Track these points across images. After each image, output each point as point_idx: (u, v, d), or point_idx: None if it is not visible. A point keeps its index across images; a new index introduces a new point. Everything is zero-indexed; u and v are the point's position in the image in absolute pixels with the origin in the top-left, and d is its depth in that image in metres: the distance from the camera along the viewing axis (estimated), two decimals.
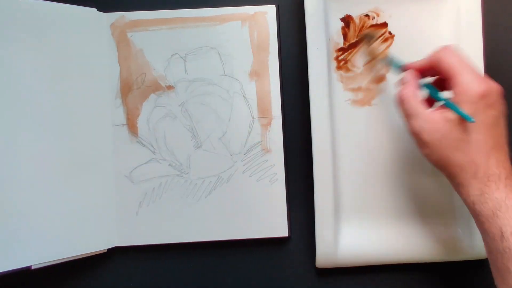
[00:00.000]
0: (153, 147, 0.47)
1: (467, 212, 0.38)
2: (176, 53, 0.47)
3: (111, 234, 0.47)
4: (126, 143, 0.47)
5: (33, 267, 0.42)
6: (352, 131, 0.47)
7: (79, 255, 0.45)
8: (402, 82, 0.40)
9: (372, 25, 0.47)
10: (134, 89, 0.47)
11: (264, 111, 0.47)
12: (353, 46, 0.47)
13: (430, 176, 0.47)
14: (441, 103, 0.38)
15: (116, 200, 0.47)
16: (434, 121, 0.36)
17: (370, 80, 0.47)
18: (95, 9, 0.47)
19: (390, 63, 0.43)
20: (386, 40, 0.47)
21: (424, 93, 0.39)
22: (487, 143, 0.36)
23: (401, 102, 0.38)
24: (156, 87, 0.47)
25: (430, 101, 0.39)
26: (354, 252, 0.46)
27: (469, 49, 0.43)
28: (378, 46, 0.46)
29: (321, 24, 0.45)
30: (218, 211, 0.47)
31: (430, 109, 0.37)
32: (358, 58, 0.47)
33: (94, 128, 0.46)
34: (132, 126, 0.47)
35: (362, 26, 0.47)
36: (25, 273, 0.41)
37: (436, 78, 0.40)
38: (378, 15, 0.47)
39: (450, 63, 0.37)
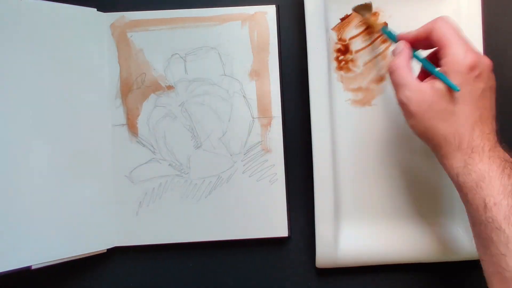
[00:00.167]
0: (153, 147, 0.47)
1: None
2: (176, 53, 0.47)
3: (111, 234, 0.47)
4: (126, 143, 0.47)
5: (33, 267, 0.42)
6: (352, 131, 0.47)
7: (79, 255, 0.45)
8: (394, 53, 0.40)
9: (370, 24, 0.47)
10: (134, 89, 0.47)
11: (264, 111, 0.47)
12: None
13: (430, 176, 0.47)
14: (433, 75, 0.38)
15: (116, 200, 0.47)
16: (422, 91, 0.36)
17: (370, 80, 0.47)
18: (95, 9, 0.47)
19: (387, 34, 0.43)
20: (386, 40, 0.47)
21: (418, 65, 0.39)
22: (473, 115, 0.36)
23: (392, 72, 0.38)
24: (156, 87, 0.47)
25: (424, 77, 0.39)
26: (354, 252, 0.46)
27: None
28: (374, 18, 0.46)
29: (321, 24, 0.45)
30: (218, 211, 0.47)
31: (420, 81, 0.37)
32: (359, 58, 0.47)
33: (94, 128, 0.46)
34: (132, 126, 0.47)
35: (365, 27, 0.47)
36: (25, 273, 0.41)
37: (431, 53, 0.40)
38: (378, 15, 0.47)
39: (443, 33, 0.37)
